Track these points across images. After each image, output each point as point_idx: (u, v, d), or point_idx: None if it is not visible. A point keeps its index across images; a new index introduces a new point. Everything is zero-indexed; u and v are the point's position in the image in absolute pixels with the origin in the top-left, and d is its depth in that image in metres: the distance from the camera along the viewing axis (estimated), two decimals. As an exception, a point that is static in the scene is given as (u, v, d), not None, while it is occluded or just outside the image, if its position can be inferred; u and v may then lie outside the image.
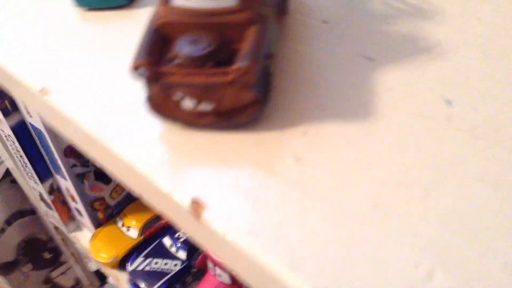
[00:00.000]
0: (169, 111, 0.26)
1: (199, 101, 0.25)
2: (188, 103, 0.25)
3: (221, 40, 0.25)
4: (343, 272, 0.21)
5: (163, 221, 0.78)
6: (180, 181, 0.25)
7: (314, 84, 0.28)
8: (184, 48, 0.25)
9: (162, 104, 0.26)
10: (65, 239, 0.92)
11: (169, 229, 0.77)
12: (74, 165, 0.71)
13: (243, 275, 0.24)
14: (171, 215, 0.26)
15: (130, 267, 0.74)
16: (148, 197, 0.27)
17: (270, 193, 0.24)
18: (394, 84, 0.28)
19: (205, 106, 0.25)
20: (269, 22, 0.26)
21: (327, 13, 0.33)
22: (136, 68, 0.24)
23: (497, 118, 0.26)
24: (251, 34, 0.25)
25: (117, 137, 0.27)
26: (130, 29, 0.33)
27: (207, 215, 0.24)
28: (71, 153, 0.69)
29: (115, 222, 0.79)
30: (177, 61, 0.25)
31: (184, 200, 0.24)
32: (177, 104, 0.26)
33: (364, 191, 0.24)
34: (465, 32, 0.30)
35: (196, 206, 0.24)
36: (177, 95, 0.25)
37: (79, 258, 0.97)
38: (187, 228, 0.25)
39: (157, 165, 0.26)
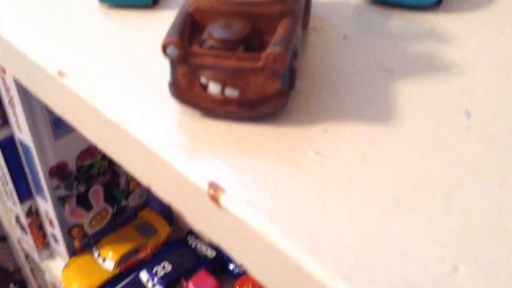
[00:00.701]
0: (193, 96, 0.26)
1: (224, 87, 0.25)
2: (213, 88, 0.25)
3: (252, 29, 0.25)
4: (365, 261, 0.21)
5: (141, 255, 0.76)
6: (198, 166, 0.24)
7: (335, 88, 0.29)
8: (216, 31, 0.25)
9: (186, 89, 0.26)
10: (35, 270, 0.88)
11: (147, 264, 0.74)
12: (58, 187, 0.69)
13: (258, 265, 0.23)
14: (186, 201, 0.25)
15: (102, 300, 0.71)
16: (161, 184, 0.26)
17: (290, 182, 0.24)
18: (413, 94, 0.28)
19: (230, 92, 0.25)
20: (299, 19, 0.26)
21: (347, 30, 0.33)
22: (166, 46, 0.24)
23: (515, 132, 0.26)
24: (282, 25, 0.25)
25: (135, 121, 0.27)
26: (151, 27, 0.33)
27: (225, 199, 0.23)
28: (57, 173, 0.68)
29: (91, 252, 0.76)
30: (208, 44, 0.25)
31: (202, 184, 0.24)
32: (202, 89, 0.26)
33: (386, 187, 0.23)
34: (481, 56, 0.31)
35: (214, 190, 0.23)
36: (203, 79, 0.25)
37: (46, 291, 0.92)
38: (202, 215, 0.25)
39: (175, 149, 0.25)
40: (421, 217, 0.22)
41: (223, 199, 0.23)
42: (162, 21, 0.34)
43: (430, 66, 0.30)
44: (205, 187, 0.24)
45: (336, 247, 0.21)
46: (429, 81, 0.29)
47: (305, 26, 0.33)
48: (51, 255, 0.80)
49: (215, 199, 0.23)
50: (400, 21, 0.34)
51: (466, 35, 0.33)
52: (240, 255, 0.24)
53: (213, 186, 0.23)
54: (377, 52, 0.31)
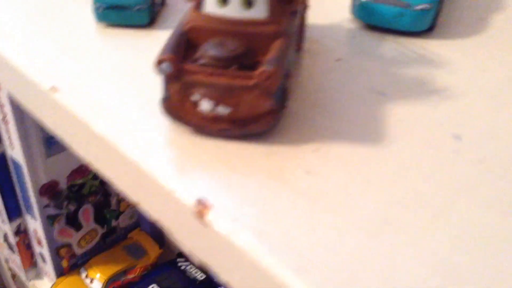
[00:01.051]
0: (184, 113, 0.26)
1: (217, 104, 0.25)
2: (205, 105, 0.25)
3: (246, 48, 0.25)
4: (352, 280, 0.20)
5: (130, 276, 0.75)
6: (186, 182, 0.24)
7: (327, 109, 0.29)
8: (210, 49, 0.25)
9: (178, 106, 0.26)
10: (21, 289, 0.87)
11: (136, 285, 0.73)
12: (47, 206, 0.68)
13: (244, 284, 0.23)
14: (173, 218, 0.25)
15: (88, 322, 0.70)
16: (149, 201, 0.26)
17: (278, 200, 0.24)
18: (404, 117, 0.28)
19: (222, 110, 0.25)
20: (292, 41, 0.27)
21: (340, 53, 0.34)
22: (160, 62, 0.25)
23: (504, 156, 0.26)
24: (276, 45, 0.25)
25: (125, 137, 0.27)
26: (145, 46, 0.34)
27: (212, 215, 0.23)
28: (47, 191, 0.67)
29: (79, 273, 0.75)
30: (201, 61, 0.25)
31: (188, 200, 0.24)
32: (194, 106, 0.26)
33: (375, 207, 0.23)
34: (472, 81, 0.31)
35: (201, 207, 0.23)
36: (195, 96, 0.25)
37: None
38: (189, 232, 0.24)
39: (164, 165, 0.25)
40: (408, 238, 0.22)
41: (210, 215, 0.23)
42: (157, 41, 0.34)
43: (421, 90, 0.31)
44: (192, 203, 0.23)
45: (323, 267, 0.21)
46: (420, 105, 0.29)
47: (299, 48, 0.33)
48: (38, 275, 0.79)
49: (201, 216, 0.23)
50: (393, 45, 0.35)
51: (458, 60, 0.34)
52: (226, 273, 0.24)
53: (201, 203, 0.23)
54: (370, 75, 0.32)
